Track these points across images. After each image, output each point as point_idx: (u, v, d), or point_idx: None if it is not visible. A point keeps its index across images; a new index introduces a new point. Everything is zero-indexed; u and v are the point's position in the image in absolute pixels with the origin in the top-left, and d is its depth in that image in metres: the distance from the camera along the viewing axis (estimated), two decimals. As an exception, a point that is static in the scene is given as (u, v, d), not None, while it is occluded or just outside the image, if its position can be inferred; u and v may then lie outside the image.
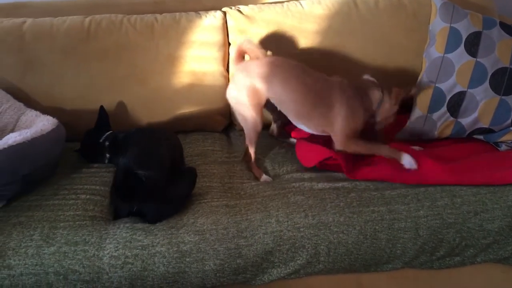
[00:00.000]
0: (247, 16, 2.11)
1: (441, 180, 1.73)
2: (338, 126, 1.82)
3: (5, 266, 1.49)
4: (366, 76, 1.90)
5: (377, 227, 1.64)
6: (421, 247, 1.66)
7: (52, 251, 1.52)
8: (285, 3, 2.17)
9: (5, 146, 1.62)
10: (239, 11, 2.13)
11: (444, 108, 1.96)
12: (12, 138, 1.66)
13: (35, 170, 1.72)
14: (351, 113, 1.80)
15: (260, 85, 1.84)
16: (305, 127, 1.90)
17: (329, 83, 1.84)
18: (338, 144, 1.83)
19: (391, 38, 2.13)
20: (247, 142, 1.93)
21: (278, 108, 1.91)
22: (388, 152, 1.78)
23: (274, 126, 2.12)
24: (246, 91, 1.86)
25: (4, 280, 1.47)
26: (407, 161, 1.74)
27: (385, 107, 1.85)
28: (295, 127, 1.96)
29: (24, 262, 1.50)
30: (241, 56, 1.96)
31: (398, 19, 2.12)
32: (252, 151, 1.93)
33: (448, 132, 2.00)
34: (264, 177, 1.88)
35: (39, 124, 1.80)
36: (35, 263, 1.50)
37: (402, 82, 2.12)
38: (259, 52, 1.90)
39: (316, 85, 1.83)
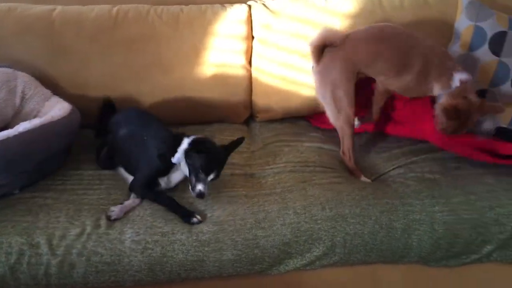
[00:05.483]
0: (272, 11, 2.12)
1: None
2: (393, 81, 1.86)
3: (33, 245, 1.53)
4: (464, 76, 1.76)
5: (392, 217, 1.66)
6: (437, 241, 1.67)
7: (77, 232, 1.56)
8: (311, -2, 2.18)
9: (16, 133, 1.64)
10: (264, 5, 2.14)
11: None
12: (22, 126, 1.68)
13: (48, 156, 1.75)
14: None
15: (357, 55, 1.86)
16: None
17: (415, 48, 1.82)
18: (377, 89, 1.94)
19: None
20: (341, 135, 1.93)
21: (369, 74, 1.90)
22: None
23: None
24: (340, 63, 1.85)
25: (31, 258, 1.52)
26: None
27: (440, 103, 1.81)
28: None
29: (50, 243, 1.54)
30: (320, 52, 1.88)
31: (423, 18, 2.12)
32: (348, 145, 1.91)
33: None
34: (363, 178, 1.89)
35: (52, 111, 1.82)
36: (60, 244, 1.54)
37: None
38: (339, 35, 1.87)
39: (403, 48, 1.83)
